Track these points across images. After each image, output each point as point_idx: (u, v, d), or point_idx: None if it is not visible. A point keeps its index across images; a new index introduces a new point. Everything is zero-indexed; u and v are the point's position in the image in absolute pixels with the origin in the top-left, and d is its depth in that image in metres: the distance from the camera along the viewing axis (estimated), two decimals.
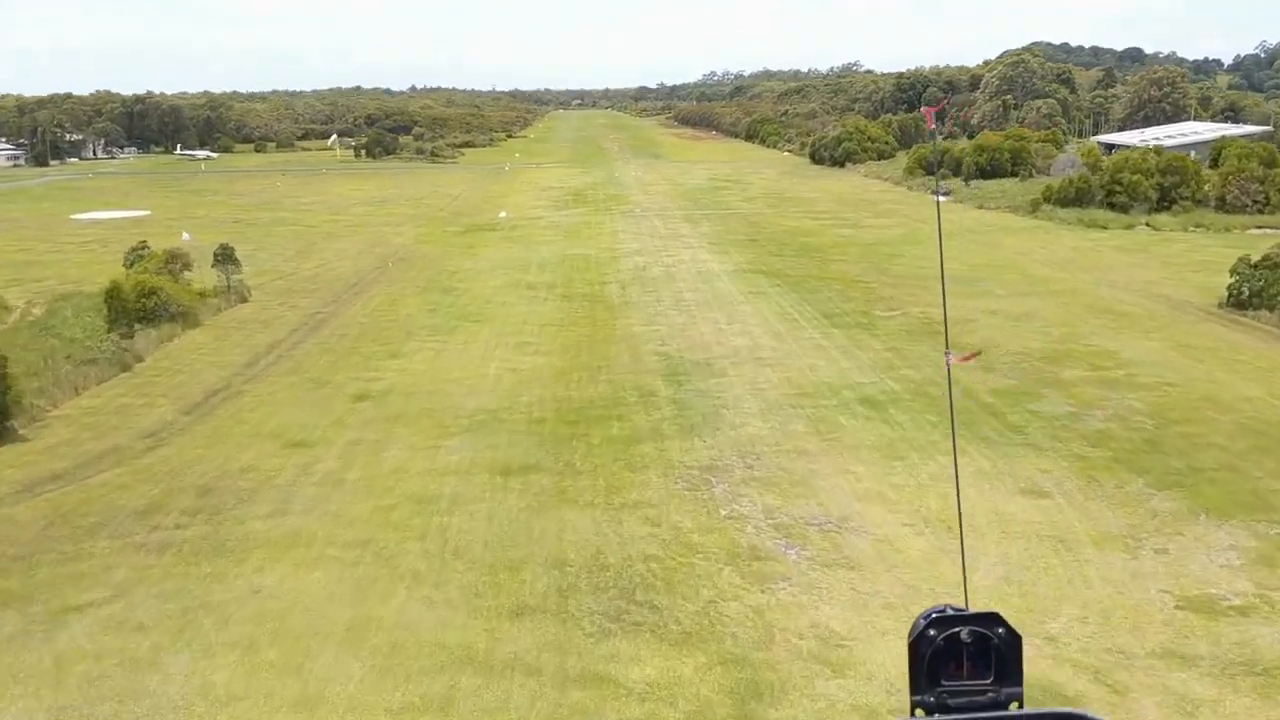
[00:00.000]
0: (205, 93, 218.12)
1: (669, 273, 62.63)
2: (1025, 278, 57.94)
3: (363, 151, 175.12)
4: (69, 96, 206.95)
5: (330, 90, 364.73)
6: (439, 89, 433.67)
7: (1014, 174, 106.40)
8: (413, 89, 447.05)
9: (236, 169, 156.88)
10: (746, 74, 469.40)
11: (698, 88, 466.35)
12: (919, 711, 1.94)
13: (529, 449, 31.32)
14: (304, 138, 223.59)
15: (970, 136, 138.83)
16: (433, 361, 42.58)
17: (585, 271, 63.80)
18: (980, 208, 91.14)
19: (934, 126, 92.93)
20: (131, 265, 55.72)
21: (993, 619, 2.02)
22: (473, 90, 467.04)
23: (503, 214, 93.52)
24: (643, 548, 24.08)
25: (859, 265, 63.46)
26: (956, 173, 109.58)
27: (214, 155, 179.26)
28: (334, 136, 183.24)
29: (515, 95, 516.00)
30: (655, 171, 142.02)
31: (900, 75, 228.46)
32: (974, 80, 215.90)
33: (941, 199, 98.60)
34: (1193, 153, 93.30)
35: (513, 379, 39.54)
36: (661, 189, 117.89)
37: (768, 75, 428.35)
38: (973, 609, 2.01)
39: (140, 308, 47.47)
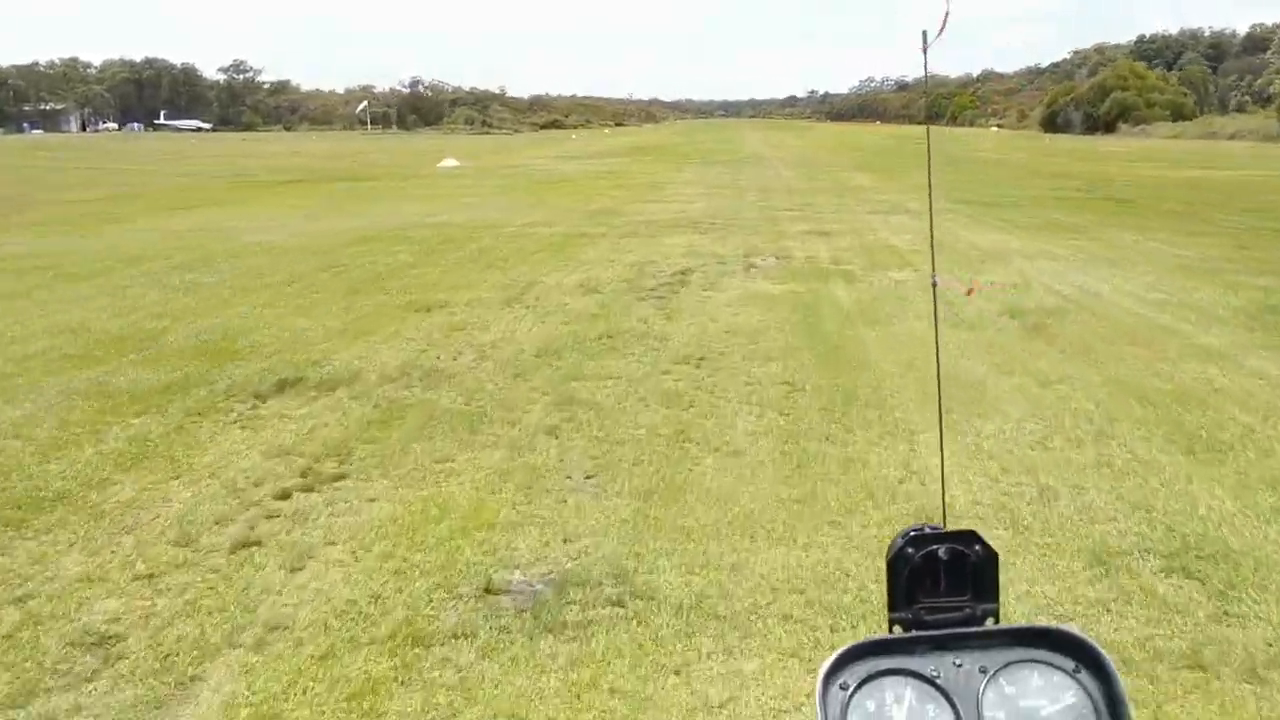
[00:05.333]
0: (234, 60, 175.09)
1: (833, 299, 10.14)
2: None
3: (393, 122, 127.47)
4: (73, 61, 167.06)
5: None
6: (571, 96, 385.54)
7: None
8: (535, 97, 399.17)
9: (200, 138, 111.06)
10: (910, 79, 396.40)
11: (854, 94, 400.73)
12: (896, 628, 1.62)
13: None
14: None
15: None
16: None
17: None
18: None
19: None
20: None
21: (970, 537, 1.69)
22: (607, 98, 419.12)
23: (450, 162, 42.98)
24: None
25: None
26: None
27: (206, 127, 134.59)
28: (363, 105, 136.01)
29: (653, 103, 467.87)
30: (796, 139, 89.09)
31: (1140, 39, 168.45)
32: (1249, 43, 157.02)
33: None
34: None
35: None
36: (804, 147, 65.36)
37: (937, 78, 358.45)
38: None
39: None
